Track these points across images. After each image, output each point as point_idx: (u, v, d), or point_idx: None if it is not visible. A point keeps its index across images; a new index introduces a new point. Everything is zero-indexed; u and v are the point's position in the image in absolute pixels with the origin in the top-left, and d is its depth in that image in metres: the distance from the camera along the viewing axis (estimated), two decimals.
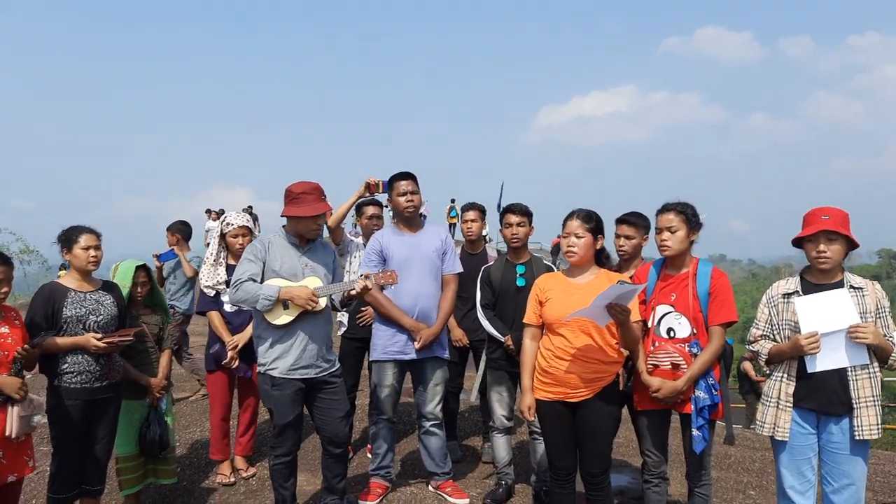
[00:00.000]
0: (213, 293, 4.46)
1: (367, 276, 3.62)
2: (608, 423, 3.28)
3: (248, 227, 4.44)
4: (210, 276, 4.46)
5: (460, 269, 4.22)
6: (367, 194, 4.48)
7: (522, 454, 4.83)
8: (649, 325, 3.36)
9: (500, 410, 4.16)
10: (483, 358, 4.51)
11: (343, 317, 4.82)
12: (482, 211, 5.00)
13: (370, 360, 4.19)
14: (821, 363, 2.94)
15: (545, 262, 4.32)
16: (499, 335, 4.11)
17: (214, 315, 4.46)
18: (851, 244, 3.01)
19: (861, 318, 2.92)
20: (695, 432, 3.20)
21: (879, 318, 2.98)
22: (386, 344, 4.06)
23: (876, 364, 2.97)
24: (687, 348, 3.23)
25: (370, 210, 4.81)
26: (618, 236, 4.06)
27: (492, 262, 4.48)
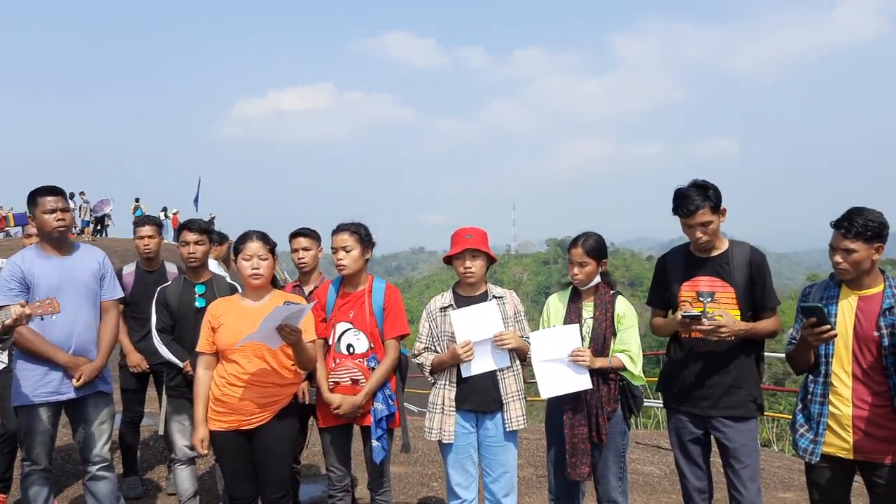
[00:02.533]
0: None
1: (23, 304, 3.06)
2: (285, 448, 3.24)
3: None
4: None
5: (121, 295, 3.81)
6: None
7: (212, 481, 4.57)
8: (330, 342, 3.42)
9: (181, 441, 3.89)
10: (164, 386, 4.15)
11: (2, 354, 4.05)
12: (159, 225, 4.67)
13: (14, 405, 3.54)
14: (475, 368, 3.30)
15: (229, 280, 4.13)
16: (177, 361, 3.85)
17: None
18: (491, 259, 3.41)
19: (503, 323, 3.33)
20: (374, 443, 3.33)
21: (517, 321, 3.43)
22: (36, 385, 3.45)
23: (518, 363, 3.41)
24: (365, 363, 3.35)
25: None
26: (294, 250, 4.04)
27: (170, 281, 4.15)
